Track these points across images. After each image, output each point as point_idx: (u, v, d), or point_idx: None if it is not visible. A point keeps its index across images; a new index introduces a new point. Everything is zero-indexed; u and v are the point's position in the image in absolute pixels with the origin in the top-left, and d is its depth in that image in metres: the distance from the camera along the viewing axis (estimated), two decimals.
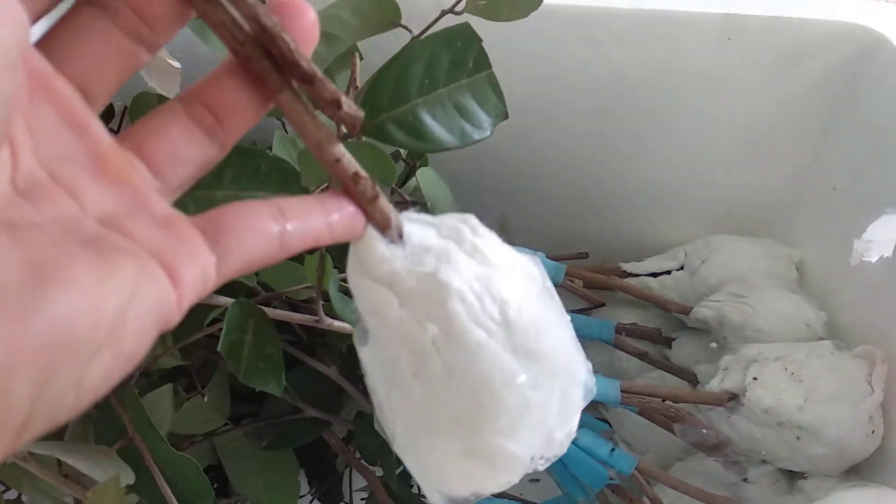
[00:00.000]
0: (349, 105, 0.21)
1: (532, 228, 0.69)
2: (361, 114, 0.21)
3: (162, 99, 0.55)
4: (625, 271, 0.65)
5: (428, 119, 0.35)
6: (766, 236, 0.65)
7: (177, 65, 0.54)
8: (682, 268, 0.64)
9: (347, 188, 0.22)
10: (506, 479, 0.25)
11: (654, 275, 0.64)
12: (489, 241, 0.24)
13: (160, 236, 0.18)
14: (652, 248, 0.69)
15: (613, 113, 0.60)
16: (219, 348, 0.36)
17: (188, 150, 0.20)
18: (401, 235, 0.23)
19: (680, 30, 0.55)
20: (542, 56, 0.57)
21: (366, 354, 0.25)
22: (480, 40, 0.35)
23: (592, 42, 0.55)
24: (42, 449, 0.34)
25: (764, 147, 0.62)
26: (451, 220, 0.24)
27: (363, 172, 0.22)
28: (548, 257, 0.65)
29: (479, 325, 0.23)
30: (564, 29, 0.55)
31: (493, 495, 0.54)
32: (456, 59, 0.35)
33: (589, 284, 0.65)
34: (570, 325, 0.26)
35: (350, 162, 0.22)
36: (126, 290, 0.16)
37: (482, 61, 0.35)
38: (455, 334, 0.22)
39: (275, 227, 0.20)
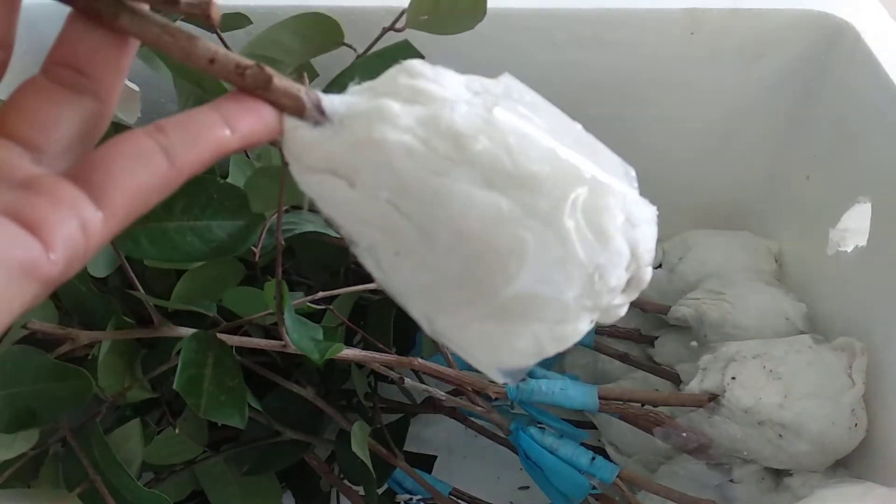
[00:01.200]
0: None
1: None
2: None
3: (120, 127, 0.54)
4: None
5: None
6: (744, 229, 0.65)
7: (135, 88, 0.53)
8: (660, 266, 0.63)
9: (237, 84, 0.20)
10: (564, 331, 0.21)
11: None
12: (432, 75, 0.21)
13: (14, 196, 0.17)
14: None
15: (578, 115, 0.59)
16: (175, 386, 0.35)
17: (53, 110, 0.19)
18: (322, 112, 0.20)
19: (641, 28, 0.55)
20: (501, 63, 0.56)
21: (359, 254, 0.22)
22: (422, 56, 0.34)
23: (551, 45, 0.55)
24: None
25: (735, 140, 0.61)
26: (386, 73, 0.22)
27: (246, 61, 0.20)
28: None
29: (435, 172, 0.20)
30: (521, 33, 0.54)
31: None
32: None
33: None
34: (577, 130, 0.23)
35: (226, 56, 0.20)
36: None
37: None
38: (411, 191, 0.20)
39: (151, 146, 0.18)
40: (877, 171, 0.51)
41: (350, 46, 0.38)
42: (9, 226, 0.17)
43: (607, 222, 0.21)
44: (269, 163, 0.41)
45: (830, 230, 0.56)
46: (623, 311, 0.23)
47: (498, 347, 0.21)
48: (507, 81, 0.23)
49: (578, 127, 0.23)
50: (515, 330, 0.21)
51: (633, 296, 0.23)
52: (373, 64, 0.33)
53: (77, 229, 0.17)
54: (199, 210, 0.38)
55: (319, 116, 0.20)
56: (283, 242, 0.36)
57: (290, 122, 0.20)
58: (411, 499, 0.58)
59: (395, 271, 0.21)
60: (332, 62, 0.42)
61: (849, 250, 0.54)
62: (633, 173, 0.23)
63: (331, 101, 0.21)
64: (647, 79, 0.58)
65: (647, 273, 0.23)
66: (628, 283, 0.23)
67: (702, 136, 0.61)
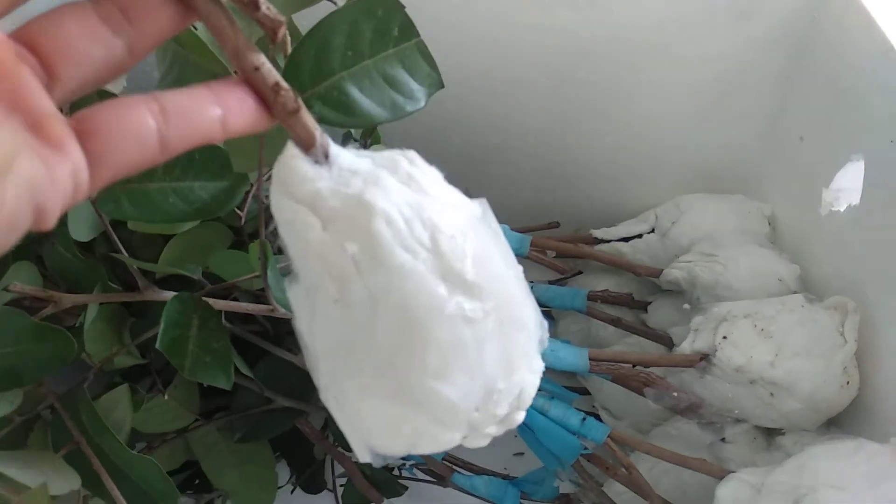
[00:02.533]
0: (268, 7, 0.20)
1: (501, 201, 0.67)
2: (282, 19, 0.21)
3: (106, 95, 0.54)
4: (596, 237, 0.64)
5: (355, 93, 0.34)
6: (738, 192, 0.64)
7: None
8: (653, 230, 0.63)
9: (267, 101, 0.21)
10: (442, 436, 0.23)
11: (626, 239, 0.63)
12: (428, 174, 0.23)
13: (27, 140, 0.17)
14: (625, 212, 0.68)
15: (571, 79, 0.59)
16: (157, 345, 0.35)
17: (88, 46, 0.19)
18: (326, 156, 0.22)
19: None
20: (492, 26, 0.56)
21: (293, 293, 0.23)
22: (402, 7, 0.33)
23: (542, 7, 0.54)
24: None
25: (727, 102, 0.60)
26: (388, 153, 0.23)
27: (284, 83, 0.21)
28: (518, 229, 0.64)
29: (406, 249, 0.21)
30: None
31: (468, 470, 0.53)
32: (379, 28, 0.33)
33: (560, 254, 0.64)
34: (520, 276, 0.24)
35: (270, 72, 0.20)
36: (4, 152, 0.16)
37: (408, 29, 0.34)
38: (378, 256, 0.21)
39: (152, 130, 0.19)
40: (870, 129, 0.51)
41: (332, 1, 0.37)
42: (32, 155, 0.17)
43: (518, 358, 0.23)
44: None
45: (824, 190, 0.55)
46: (486, 441, 0.24)
47: (384, 427, 0.23)
48: (485, 207, 0.24)
49: (520, 269, 0.24)
50: (407, 416, 0.22)
51: (501, 431, 0.25)
52: (351, 15, 0.32)
53: (71, 187, 0.18)
54: (181, 171, 0.37)
55: (322, 158, 0.21)
56: (265, 202, 0.36)
57: (292, 150, 0.21)
58: (405, 464, 0.58)
59: (325, 318, 0.22)
60: (314, 20, 0.41)
61: (842, 210, 0.53)
62: (546, 325, 0.25)
63: (337, 151, 0.22)
64: (638, 42, 0.57)
65: (520, 416, 0.25)
66: (504, 417, 0.24)
67: (694, 99, 0.61)
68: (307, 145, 0.21)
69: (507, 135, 0.65)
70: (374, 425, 0.23)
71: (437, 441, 0.23)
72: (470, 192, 0.67)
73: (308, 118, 0.21)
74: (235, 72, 0.21)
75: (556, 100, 0.62)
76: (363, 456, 0.23)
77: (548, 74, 0.60)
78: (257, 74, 0.20)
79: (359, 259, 0.21)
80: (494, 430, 0.24)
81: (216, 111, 0.20)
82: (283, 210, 0.21)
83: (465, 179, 0.67)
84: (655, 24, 0.56)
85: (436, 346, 0.21)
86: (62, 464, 0.36)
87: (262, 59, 0.20)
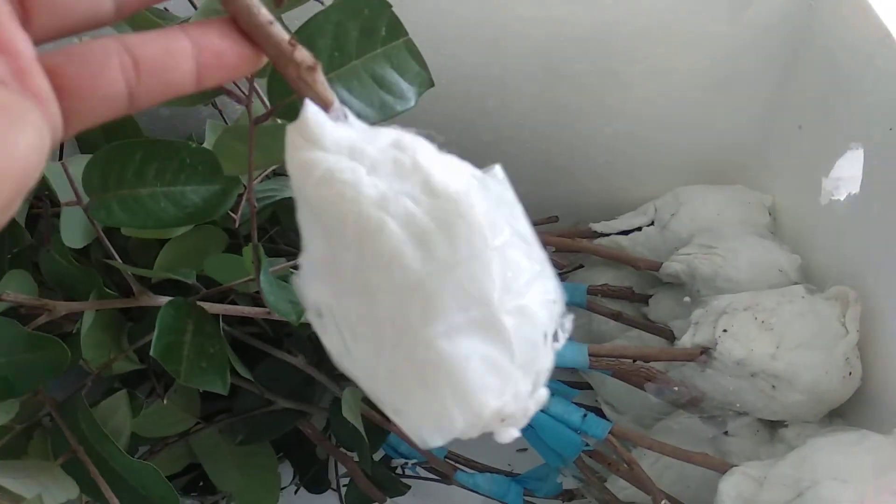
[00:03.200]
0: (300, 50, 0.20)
1: None
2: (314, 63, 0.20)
3: None
4: (595, 231, 0.64)
5: (344, 94, 0.33)
6: (739, 182, 0.64)
7: None
8: (652, 223, 0.62)
9: (286, 53, 0.20)
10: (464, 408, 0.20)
11: (625, 233, 0.63)
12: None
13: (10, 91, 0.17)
14: (625, 205, 0.67)
15: (566, 72, 0.58)
16: (152, 352, 0.35)
17: None
18: (346, 117, 0.21)
19: None
20: (486, 19, 0.55)
21: (312, 284, 0.20)
22: (389, 6, 0.33)
23: (536, 0, 0.53)
24: None
25: (726, 91, 0.60)
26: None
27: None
28: None
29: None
30: None
31: (471, 468, 0.53)
32: (366, 27, 0.33)
33: (559, 249, 0.63)
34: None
35: (281, 28, 0.20)
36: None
37: (396, 28, 0.34)
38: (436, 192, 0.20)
39: (123, 91, 0.19)
40: (869, 117, 0.50)
41: (319, 0, 0.37)
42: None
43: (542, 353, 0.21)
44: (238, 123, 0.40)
45: (823, 179, 0.55)
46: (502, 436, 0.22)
47: (413, 404, 0.20)
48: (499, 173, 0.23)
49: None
50: (428, 387, 0.20)
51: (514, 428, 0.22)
52: (336, 15, 0.32)
53: (49, 148, 0.18)
54: (172, 175, 0.37)
55: (343, 118, 0.21)
56: (255, 204, 0.35)
57: (313, 107, 0.20)
58: (407, 463, 0.58)
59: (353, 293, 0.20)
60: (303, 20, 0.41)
61: (842, 199, 0.53)
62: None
63: (353, 117, 0.21)
64: (634, 30, 0.56)
65: (530, 411, 0.21)
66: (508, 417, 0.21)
67: (692, 88, 0.60)
68: (327, 104, 0.20)
69: (504, 129, 0.65)
70: (405, 401, 0.20)
71: (461, 421, 0.20)
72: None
73: (324, 79, 0.20)
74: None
75: (552, 92, 0.61)
76: (420, 441, 0.21)
77: (543, 66, 0.59)
78: (273, 28, 0.20)
79: (419, 198, 0.20)
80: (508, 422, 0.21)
81: (190, 64, 0.19)
82: (317, 164, 0.19)
83: None
84: (651, 13, 0.55)
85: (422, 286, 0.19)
86: (60, 473, 0.36)
87: (271, 16, 0.20)
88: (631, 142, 0.64)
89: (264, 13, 0.20)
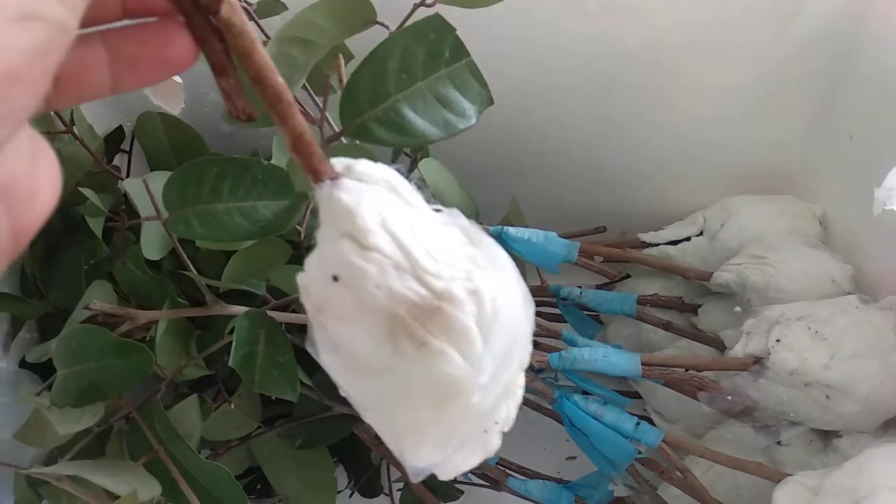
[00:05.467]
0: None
1: (547, 207, 0.68)
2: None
3: (166, 117, 0.56)
4: (643, 241, 0.64)
5: (410, 114, 0.35)
6: (787, 193, 0.64)
7: (179, 80, 0.55)
8: (701, 233, 0.63)
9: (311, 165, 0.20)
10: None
11: (674, 243, 0.63)
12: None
13: None
14: (672, 215, 0.68)
15: (613, 85, 0.59)
16: (231, 363, 0.37)
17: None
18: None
19: None
20: (533, 35, 0.56)
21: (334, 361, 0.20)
22: (454, 29, 0.35)
23: (583, 15, 0.54)
24: (68, 469, 0.35)
25: (773, 102, 0.60)
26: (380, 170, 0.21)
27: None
28: (565, 234, 0.65)
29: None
30: (553, 7, 0.54)
31: (522, 474, 0.54)
32: (431, 50, 0.35)
33: (608, 259, 0.64)
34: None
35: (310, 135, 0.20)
36: None
37: (458, 50, 0.35)
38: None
39: (108, 81, 0.20)
40: None
41: (383, 25, 0.39)
42: None
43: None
44: None
45: (875, 190, 0.55)
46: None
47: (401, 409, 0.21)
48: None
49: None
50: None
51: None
52: (404, 40, 0.34)
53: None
54: (245, 191, 0.39)
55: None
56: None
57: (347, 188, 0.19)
58: None
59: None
60: (366, 43, 0.43)
61: (893, 209, 0.53)
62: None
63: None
64: (680, 44, 0.57)
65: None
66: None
67: (739, 100, 0.61)
68: (328, 174, 0.20)
69: (551, 141, 0.66)
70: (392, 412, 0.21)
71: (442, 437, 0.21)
72: (517, 200, 0.68)
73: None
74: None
75: (598, 105, 0.62)
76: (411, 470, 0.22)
77: (590, 80, 0.60)
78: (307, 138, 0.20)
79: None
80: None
81: (104, 75, 0.20)
82: (365, 262, 0.19)
83: (511, 186, 0.68)
84: (696, 26, 0.56)
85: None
86: (143, 472, 0.38)
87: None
88: (677, 153, 0.65)
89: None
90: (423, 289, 0.19)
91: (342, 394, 0.21)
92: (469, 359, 0.20)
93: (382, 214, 0.19)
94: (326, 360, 0.20)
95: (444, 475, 0.22)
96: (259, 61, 0.19)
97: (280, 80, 0.19)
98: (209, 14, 0.19)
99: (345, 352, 0.20)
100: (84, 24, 0.19)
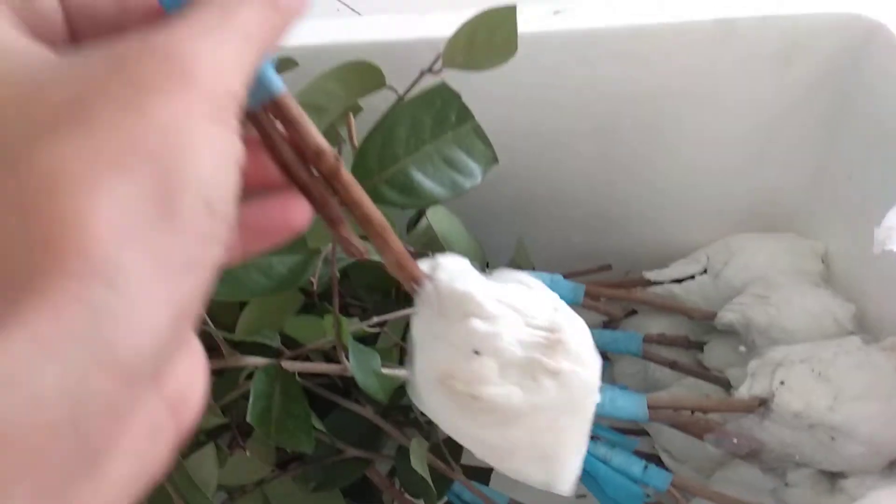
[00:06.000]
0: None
1: (553, 247, 0.70)
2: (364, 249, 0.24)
3: None
4: (648, 280, 0.65)
5: (418, 176, 0.37)
6: (789, 231, 0.65)
7: None
8: (705, 271, 0.64)
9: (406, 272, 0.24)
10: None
11: (678, 281, 0.64)
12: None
13: None
14: (676, 252, 0.69)
15: (617, 130, 0.61)
16: (248, 418, 0.38)
17: None
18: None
19: (673, 41, 0.56)
20: (539, 83, 0.58)
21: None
22: (459, 96, 0.36)
23: (586, 63, 0.56)
24: None
25: (774, 145, 0.62)
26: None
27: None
28: (570, 273, 0.66)
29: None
30: (557, 54, 0.56)
31: None
32: (438, 116, 0.36)
33: (613, 298, 0.65)
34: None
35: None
36: None
37: (464, 114, 0.37)
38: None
39: (240, 250, 0.22)
40: None
41: (393, 89, 0.40)
42: None
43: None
44: None
45: (875, 229, 0.56)
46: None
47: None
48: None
49: None
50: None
51: None
52: (412, 108, 0.35)
53: None
54: None
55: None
56: (337, 276, 0.39)
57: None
58: None
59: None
60: (374, 99, 0.44)
61: (893, 248, 0.53)
62: None
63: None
64: (682, 90, 0.58)
65: None
66: None
67: (740, 143, 0.62)
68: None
69: (557, 183, 0.67)
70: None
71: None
72: (524, 241, 0.70)
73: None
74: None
75: (603, 148, 0.64)
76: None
77: (594, 124, 0.62)
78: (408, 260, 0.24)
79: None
80: None
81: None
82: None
83: (518, 228, 0.70)
84: (696, 74, 0.57)
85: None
86: None
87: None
88: (680, 195, 0.66)
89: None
90: (541, 331, 0.24)
91: (479, 455, 0.25)
92: (588, 368, 0.24)
93: (485, 290, 0.24)
94: (466, 426, 0.25)
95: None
96: (367, 206, 0.23)
97: (380, 215, 0.23)
98: (328, 179, 0.22)
99: (499, 409, 0.23)
100: None
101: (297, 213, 0.22)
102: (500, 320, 0.23)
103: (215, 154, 0.16)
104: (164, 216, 0.15)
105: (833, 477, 0.50)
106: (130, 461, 0.16)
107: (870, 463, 0.48)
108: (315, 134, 0.22)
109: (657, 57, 0.57)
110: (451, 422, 0.24)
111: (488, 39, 0.37)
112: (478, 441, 0.25)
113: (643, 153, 0.63)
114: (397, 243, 0.23)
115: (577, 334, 0.25)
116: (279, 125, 0.21)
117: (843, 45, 0.55)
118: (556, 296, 0.26)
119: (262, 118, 0.21)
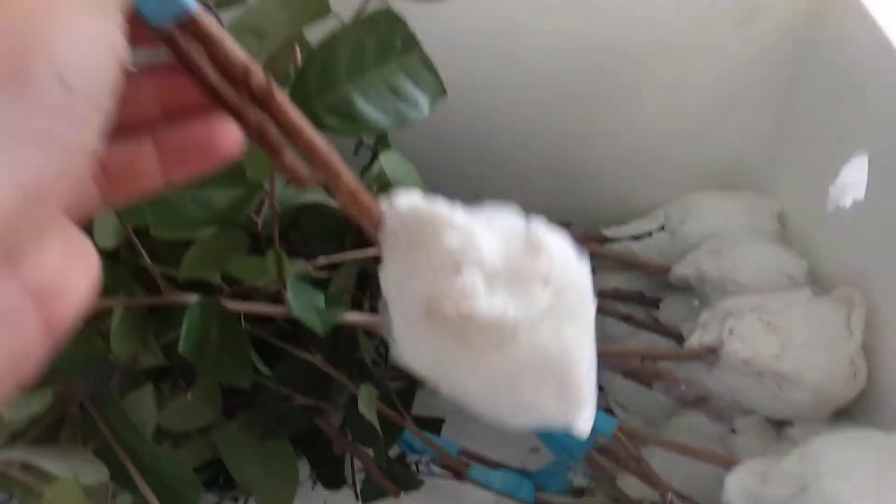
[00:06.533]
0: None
1: (511, 202, 0.69)
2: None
3: None
4: (606, 237, 0.65)
5: (361, 102, 0.35)
6: (748, 189, 0.65)
7: None
8: (662, 228, 0.63)
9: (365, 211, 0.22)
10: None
11: (637, 238, 0.64)
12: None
13: None
14: (637, 211, 0.69)
15: (577, 83, 0.60)
16: (180, 349, 0.37)
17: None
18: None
19: None
20: (496, 30, 0.57)
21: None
22: (404, 22, 0.35)
23: (544, 13, 0.55)
24: (15, 455, 0.35)
25: (735, 102, 0.61)
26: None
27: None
28: None
29: None
30: (515, 3, 0.54)
31: (490, 465, 0.54)
32: (382, 42, 0.35)
33: None
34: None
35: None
36: None
37: (410, 41, 0.36)
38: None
39: (160, 174, 0.21)
40: (874, 126, 0.51)
41: (338, 17, 0.39)
42: None
43: None
44: None
45: (830, 187, 0.56)
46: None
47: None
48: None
49: None
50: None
51: None
52: (355, 32, 0.34)
53: None
54: (199, 179, 0.39)
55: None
56: (278, 210, 0.38)
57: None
58: (421, 459, 0.60)
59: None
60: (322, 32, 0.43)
61: (848, 206, 0.54)
62: None
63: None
64: (643, 43, 0.58)
65: None
66: None
67: (700, 98, 0.61)
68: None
69: (518, 138, 0.66)
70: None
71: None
72: (481, 197, 0.69)
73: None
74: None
75: (565, 102, 0.63)
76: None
77: (556, 79, 0.61)
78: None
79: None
80: None
81: (155, 169, 0.21)
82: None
83: (478, 183, 0.69)
84: (658, 27, 0.57)
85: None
86: (91, 457, 0.38)
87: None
88: (642, 151, 0.66)
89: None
90: (518, 239, 0.22)
91: (481, 402, 0.22)
92: (577, 269, 0.23)
93: (451, 208, 0.22)
94: (463, 359, 0.22)
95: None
96: (307, 132, 0.21)
97: (325, 143, 0.21)
98: (260, 102, 0.20)
99: (494, 326, 0.21)
100: (126, 123, 0.20)
101: (225, 136, 0.21)
102: (475, 232, 0.21)
103: (82, 37, 0.16)
104: (9, 78, 0.14)
105: (780, 425, 0.51)
106: None
107: (815, 411, 0.48)
108: (239, 52, 0.20)
109: (618, 9, 0.56)
110: (444, 361, 0.22)
111: None
112: (481, 380, 0.22)
113: (605, 108, 0.63)
114: (348, 174, 0.21)
115: (556, 238, 0.22)
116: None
117: (803, 4, 0.54)
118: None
119: (176, 38, 0.20)
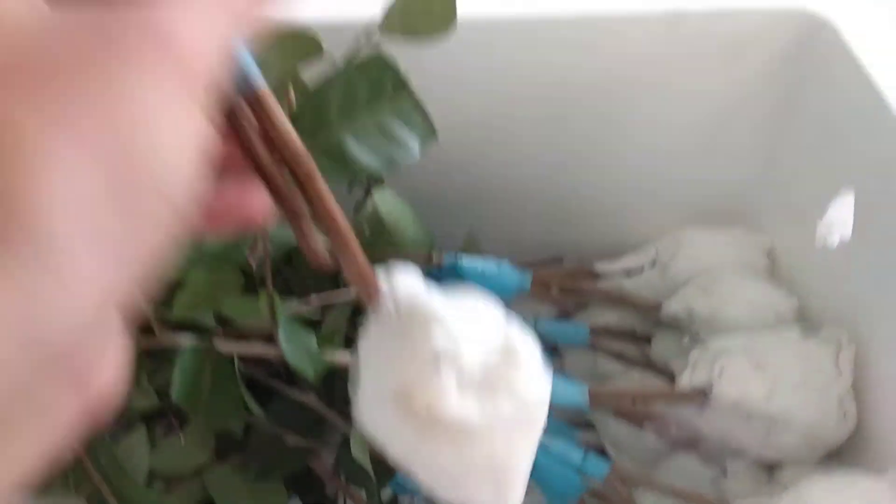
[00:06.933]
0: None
1: (505, 238, 0.69)
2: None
3: None
4: (597, 273, 0.65)
5: (352, 145, 0.36)
6: (738, 225, 0.65)
7: None
8: (654, 264, 0.64)
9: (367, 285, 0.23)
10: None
11: (627, 273, 0.64)
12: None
13: None
14: (627, 246, 0.69)
15: (567, 119, 0.61)
16: (174, 397, 0.37)
17: None
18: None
19: (622, 31, 0.56)
20: (488, 69, 0.58)
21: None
22: (396, 66, 0.36)
23: (534, 50, 0.56)
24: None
25: (723, 138, 0.62)
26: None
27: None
28: (523, 263, 0.66)
29: None
30: (505, 40, 0.56)
31: None
32: (374, 86, 0.36)
33: (562, 289, 0.65)
34: None
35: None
36: None
37: (400, 85, 0.36)
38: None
39: None
40: (860, 165, 0.52)
41: (332, 59, 0.40)
42: None
43: None
44: None
45: (818, 225, 0.57)
46: None
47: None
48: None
49: None
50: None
51: None
52: (347, 75, 0.35)
53: None
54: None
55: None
56: (269, 254, 0.38)
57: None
58: (413, 500, 0.59)
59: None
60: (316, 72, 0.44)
61: (835, 244, 0.54)
62: None
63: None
64: (632, 80, 0.59)
65: None
66: None
67: (690, 136, 0.62)
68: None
69: (509, 174, 0.67)
70: None
71: None
72: (475, 232, 0.69)
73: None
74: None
75: (556, 138, 0.64)
76: None
77: (547, 114, 0.62)
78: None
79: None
80: None
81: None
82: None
83: (469, 218, 0.69)
84: (647, 65, 0.58)
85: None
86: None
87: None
88: (633, 186, 0.67)
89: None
90: (495, 347, 0.24)
91: (428, 483, 0.24)
92: (541, 382, 0.25)
93: (443, 304, 0.23)
94: (419, 449, 0.23)
95: None
96: (334, 213, 0.22)
97: (346, 223, 0.22)
98: (301, 183, 0.22)
99: (456, 428, 0.23)
100: None
101: (257, 202, 0.21)
102: (460, 336, 0.23)
103: (180, 136, 0.15)
104: (114, 195, 0.13)
105: (771, 468, 0.50)
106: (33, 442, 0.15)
107: (805, 453, 0.48)
108: (295, 137, 0.21)
109: (607, 46, 0.57)
110: (401, 445, 0.23)
111: (426, 7, 0.36)
112: (429, 467, 0.23)
113: (596, 144, 0.63)
114: (360, 252, 0.23)
115: (529, 348, 0.24)
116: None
117: (790, 41, 0.56)
118: (503, 312, 0.26)
119: (238, 112, 0.20)
